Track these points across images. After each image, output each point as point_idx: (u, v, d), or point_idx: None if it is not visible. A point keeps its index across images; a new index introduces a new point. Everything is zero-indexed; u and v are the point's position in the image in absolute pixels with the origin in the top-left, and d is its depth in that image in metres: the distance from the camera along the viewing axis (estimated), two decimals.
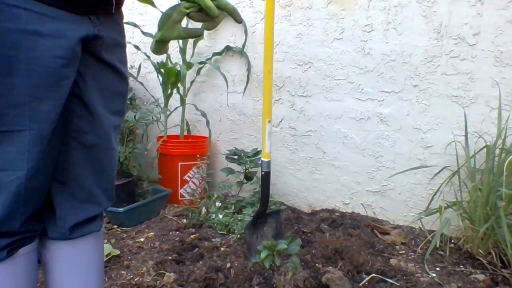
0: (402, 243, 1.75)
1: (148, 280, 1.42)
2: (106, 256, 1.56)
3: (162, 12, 0.83)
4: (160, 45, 0.83)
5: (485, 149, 1.64)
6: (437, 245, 1.62)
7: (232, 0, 2.21)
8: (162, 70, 2.24)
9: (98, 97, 0.81)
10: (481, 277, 1.46)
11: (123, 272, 1.50)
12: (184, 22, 1.61)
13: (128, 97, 2.18)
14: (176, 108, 2.40)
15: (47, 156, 0.74)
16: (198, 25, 0.84)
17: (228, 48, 2.29)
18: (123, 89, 0.88)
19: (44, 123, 0.71)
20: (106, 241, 1.79)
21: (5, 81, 0.66)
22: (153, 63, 2.27)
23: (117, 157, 0.98)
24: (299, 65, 2.10)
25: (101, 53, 0.79)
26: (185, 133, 2.43)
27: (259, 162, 1.58)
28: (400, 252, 1.68)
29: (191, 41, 2.35)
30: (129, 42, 2.38)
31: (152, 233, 1.85)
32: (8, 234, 0.75)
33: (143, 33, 2.31)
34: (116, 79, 0.84)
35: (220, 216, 1.90)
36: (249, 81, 2.24)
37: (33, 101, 0.69)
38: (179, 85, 2.30)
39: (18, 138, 0.70)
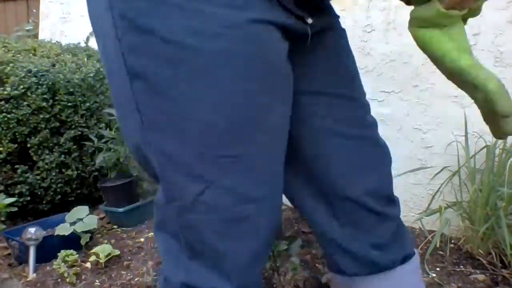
0: None
1: (148, 280, 1.42)
2: (106, 256, 1.56)
3: None
4: None
5: (485, 149, 1.64)
6: (437, 245, 1.62)
7: None
8: None
9: None
10: (481, 277, 1.46)
11: (123, 272, 1.51)
12: None
13: None
14: None
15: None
16: None
17: None
18: None
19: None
20: (106, 241, 1.79)
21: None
22: None
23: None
24: None
25: None
26: None
27: None
28: None
29: None
30: None
31: (152, 233, 1.85)
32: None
33: None
34: None
35: None
36: None
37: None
38: None
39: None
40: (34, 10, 3.47)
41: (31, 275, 1.52)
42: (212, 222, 0.61)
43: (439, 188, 1.77)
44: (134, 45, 0.57)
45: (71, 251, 1.59)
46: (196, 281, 0.63)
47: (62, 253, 1.56)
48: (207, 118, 0.57)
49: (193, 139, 0.58)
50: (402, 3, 0.64)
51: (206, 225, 0.62)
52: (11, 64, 1.89)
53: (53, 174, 1.94)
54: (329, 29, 0.73)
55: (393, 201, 0.80)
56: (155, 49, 0.55)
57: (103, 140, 2.04)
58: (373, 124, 0.78)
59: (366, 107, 0.78)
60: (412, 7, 0.60)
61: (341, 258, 0.75)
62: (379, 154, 0.78)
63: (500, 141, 1.61)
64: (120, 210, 1.91)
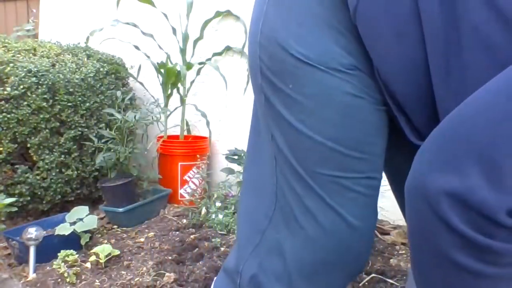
0: (402, 243, 1.75)
1: (148, 280, 1.42)
2: (106, 256, 1.56)
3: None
4: None
5: None
6: None
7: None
8: (162, 70, 2.24)
9: None
10: None
11: (123, 272, 1.51)
12: None
13: (128, 97, 2.19)
14: (176, 108, 2.40)
15: None
16: None
17: (228, 48, 2.29)
18: None
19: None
20: (106, 241, 1.79)
21: None
22: (153, 63, 2.27)
23: None
24: None
25: None
26: (185, 133, 2.43)
27: None
28: (400, 252, 1.68)
29: (191, 41, 2.35)
30: (129, 42, 2.38)
31: (152, 233, 1.85)
32: None
33: (143, 33, 2.31)
34: None
35: (220, 216, 1.90)
36: (249, 81, 2.24)
37: None
38: (179, 85, 2.30)
39: None
40: (34, 10, 3.47)
41: (31, 275, 1.52)
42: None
43: None
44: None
45: (71, 251, 1.59)
46: None
47: (62, 253, 1.56)
48: (323, 139, 0.68)
49: (313, 158, 0.69)
50: None
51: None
52: (11, 64, 1.89)
53: (53, 174, 1.94)
54: None
55: None
56: (287, 67, 0.67)
57: (103, 140, 2.04)
58: None
59: None
60: None
61: None
62: None
63: None
64: (120, 210, 1.91)
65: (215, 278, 0.81)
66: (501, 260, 0.49)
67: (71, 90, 1.99)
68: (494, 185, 0.46)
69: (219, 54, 2.30)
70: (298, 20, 0.66)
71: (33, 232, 1.56)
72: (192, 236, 1.79)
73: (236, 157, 2.06)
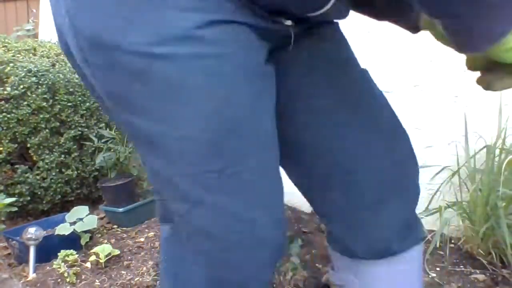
0: None
1: (148, 280, 1.42)
2: (106, 256, 1.56)
3: None
4: None
5: (485, 149, 1.64)
6: (437, 245, 1.62)
7: None
8: None
9: None
10: (481, 277, 1.46)
11: (123, 272, 1.51)
12: None
13: None
14: None
15: None
16: None
17: None
18: None
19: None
20: (106, 241, 1.79)
21: None
22: None
23: None
24: None
25: None
26: None
27: None
28: None
29: None
30: None
31: (152, 233, 1.85)
32: None
33: None
34: None
35: None
36: None
37: None
38: None
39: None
40: (34, 10, 3.47)
41: (31, 275, 1.52)
42: (206, 247, 0.59)
43: (439, 188, 1.76)
44: (101, 64, 0.53)
45: (71, 251, 1.59)
46: None
47: (62, 253, 1.56)
48: (186, 133, 0.53)
49: (175, 156, 0.55)
50: None
51: (199, 250, 0.60)
52: (11, 64, 1.89)
53: (53, 174, 1.94)
54: (323, 29, 0.71)
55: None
56: (123, 66, 0.52)
57: (103, 140, 2.04)
58: None
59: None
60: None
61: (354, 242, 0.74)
62: None
63: (500, 141, 1.61)
64: (120, 210, 1.91)
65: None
66: None
67: (71, 90, 1.98)
68: None
69: None
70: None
71: (33, 232, 1.56)
72: None
73: None
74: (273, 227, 0.61)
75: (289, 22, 0.61)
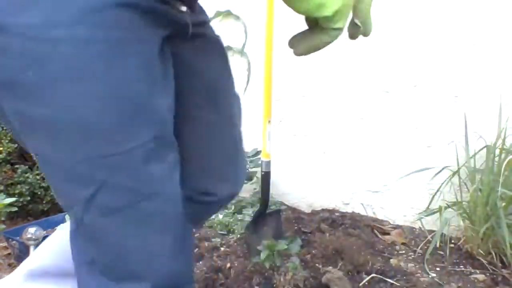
0: (402, 243, 1.75)
1: None
2: None
3: None
4: None
5: (485, 149, 1.64)
6: (437, 245, 1.62)
7: None
8: None
9: None
10: (481, 277, 1.46)
11: None
12: None
13: None
14: None
15: None
16: None
17: (228, 48, 2.29)
18: None
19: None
20: None
21: None
22: None
23: None
24: (299, 65, 2.10)
25: None
26: None
27: (259, 162, 1.57)
28: (400, 252, 1.68)
29: None
30: None
31: None
32: None
33: None
34: None
35: (220, 216, 1.90)
36: (249, 81, 2.24)
37: None
38: None
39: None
40: None
41: None
42: (115, 225, 0.59)
43: (439, 188, 1.77)
44: None
45: None
46: None
47: None
48: (81, 117, 0.53)
49: (72, 142, 0.54)
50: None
51: (108, 228, 0.60)
52: None
53: None
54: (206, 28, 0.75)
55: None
56: (13, 49, 0.50)
57: None
58: None
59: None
60: None
61: None
62: None
63: (500, 141, 1.61)
64: None
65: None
66: None
67: None
68: None
69: None
70: None
71: (33, 232, 1.56)
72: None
73: None
74: (177, 203, 0.65)
75: (184, 8, 0.63)
